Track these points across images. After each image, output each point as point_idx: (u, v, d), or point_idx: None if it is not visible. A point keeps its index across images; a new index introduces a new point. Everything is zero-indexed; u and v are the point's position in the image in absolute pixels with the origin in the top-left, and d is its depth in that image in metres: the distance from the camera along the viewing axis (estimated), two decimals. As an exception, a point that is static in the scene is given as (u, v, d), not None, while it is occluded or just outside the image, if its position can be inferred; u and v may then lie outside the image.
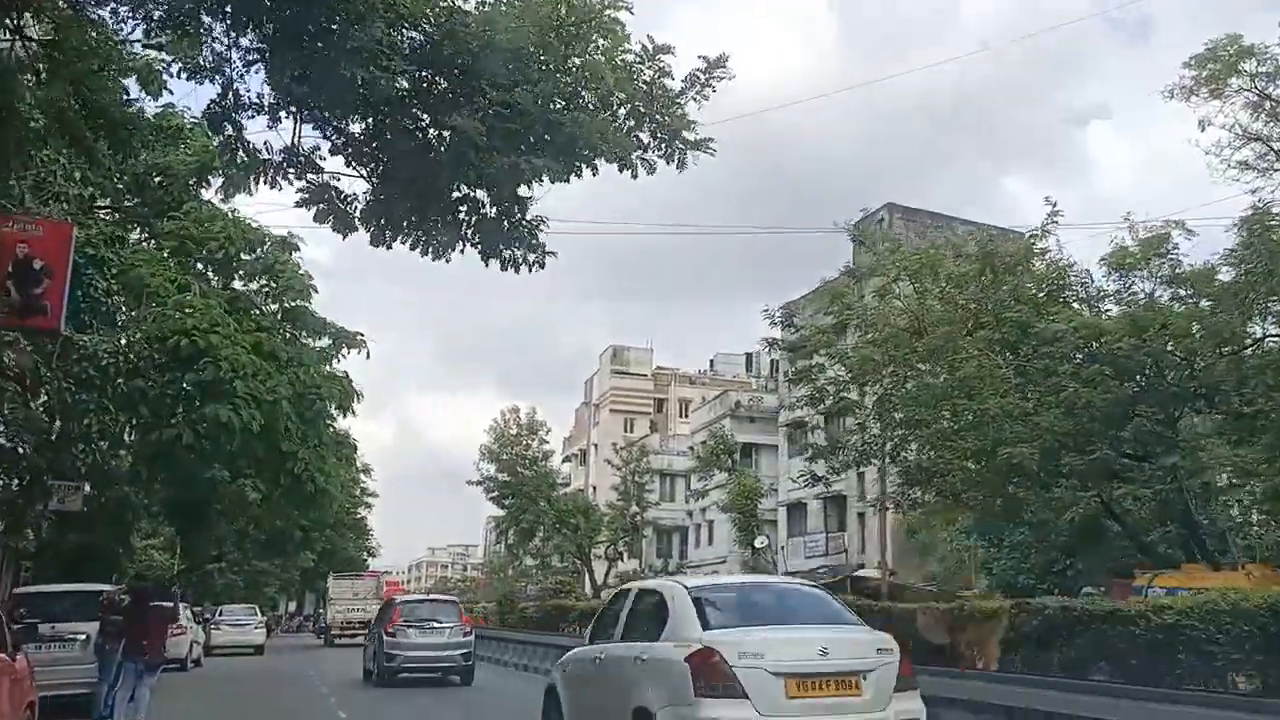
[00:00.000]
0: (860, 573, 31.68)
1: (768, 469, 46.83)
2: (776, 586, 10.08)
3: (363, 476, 59.21)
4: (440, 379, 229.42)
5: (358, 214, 11.16)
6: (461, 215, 10.53)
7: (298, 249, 23.41)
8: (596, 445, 73.86)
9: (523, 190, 10.37)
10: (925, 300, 19.45)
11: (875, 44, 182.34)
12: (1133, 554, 21.88)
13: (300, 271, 22.40)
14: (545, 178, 9.96)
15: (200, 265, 21.96)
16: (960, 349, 18.42)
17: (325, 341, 23.37)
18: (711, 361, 78.95)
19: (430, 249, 11.36)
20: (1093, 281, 20.07)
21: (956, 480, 19.66)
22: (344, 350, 22.74)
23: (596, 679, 9.15)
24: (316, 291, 22.48)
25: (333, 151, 10.83)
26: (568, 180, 10.25)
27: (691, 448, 58.28)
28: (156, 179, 21.10)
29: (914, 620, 14.40)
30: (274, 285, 22.45)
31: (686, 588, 8.58)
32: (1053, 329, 18.26)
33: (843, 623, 8.21)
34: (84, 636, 13.85)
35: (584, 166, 9.87)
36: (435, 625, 20.42)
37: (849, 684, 7.38)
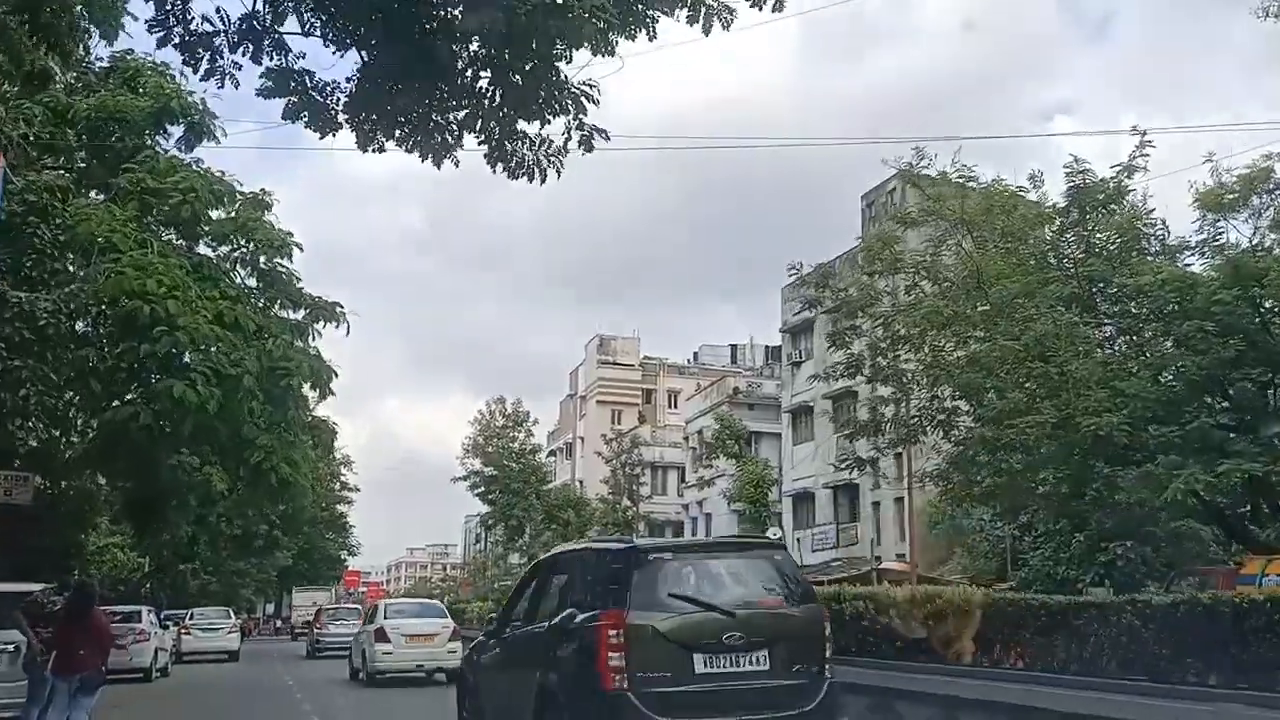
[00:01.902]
0: (885, 565, 29.53)
1: (770, 458, 44.59)
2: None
3: (344, 470, 56.38)
4: (411, 383, 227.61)
5: (340, 106, 8.79)
6: (478, 87, 8.11)
7: (270, 207, 20.84)
8: (583, 438, 71.43)
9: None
10: (986, 250, 17.15)
11: (834, 43, 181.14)
12: (1191, 541, 19.77)
13: (277, 228, 19.77)
14: (591, 39, 7.57)
15: (160, 226, 19.36)
16: (1031, 305, 16.16)
17: (299, 315, 20.76)
18: (695, 354, 76.80)
19: (429, 150, 9.01)
20: (1169, 233, 17.86)
21: (1014, 461, 17.41)
22: (320, 324, 20.10)
23: None
24: (300, 249, 19.81)
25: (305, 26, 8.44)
26: (616, 44, 7.85)
27: (686, 438, 56.03)
28: (110, 128, 18.68)
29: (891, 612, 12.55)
30: (245, 247, 19.83)
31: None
32: (1140, 281, 16.04)
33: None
34: (12, 647, 11.48)
35: (650, 17, 7.47)
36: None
37: None
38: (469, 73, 8.22)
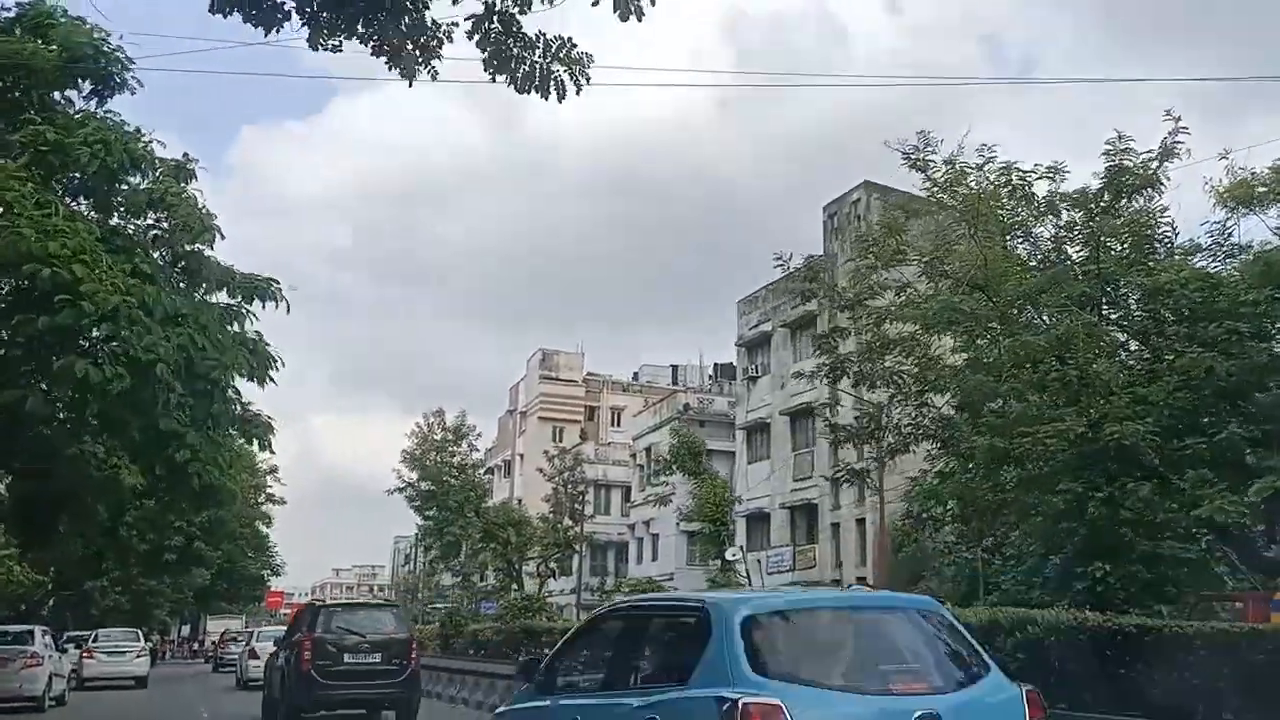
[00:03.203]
0: (857, 589, 28.00)
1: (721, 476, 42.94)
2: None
3: (270, 481, 53.27)
4: (336, 402, 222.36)
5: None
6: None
7: (195, 177, 18.57)
8: (523, 455, 69.17)
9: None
10: (991, 246, 15.69)
11: (765, 76, 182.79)
12: (1182, 566, 18.49)
13: (200, 206, 17.51)
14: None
15: (67, 193, 17.06)
16: (1044, 304, 14.76)
17: (228, 299, 18.49)
18: (636, 374, 75.17)
19: (400, 56, 7.22)
20: (1176, 234, 16.63)
21: (1012, 475, 15.96)
22: (254, 303, 17.87)
23: None
24: (222, 237, 17.59)
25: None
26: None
27: (634, 455, 54.20)
28: (9, 79, 16.42)
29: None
30: (164, 224, 17.58)
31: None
32: (1159, 280, 14.77)
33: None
34: None
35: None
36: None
37: None
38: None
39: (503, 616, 28.08)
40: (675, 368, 72.95)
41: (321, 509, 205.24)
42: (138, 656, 30.73)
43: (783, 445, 38.60)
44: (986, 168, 15.18)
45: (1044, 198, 15.08)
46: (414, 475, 50.08)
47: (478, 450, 54.15)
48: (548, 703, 6.48)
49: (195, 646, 68.97)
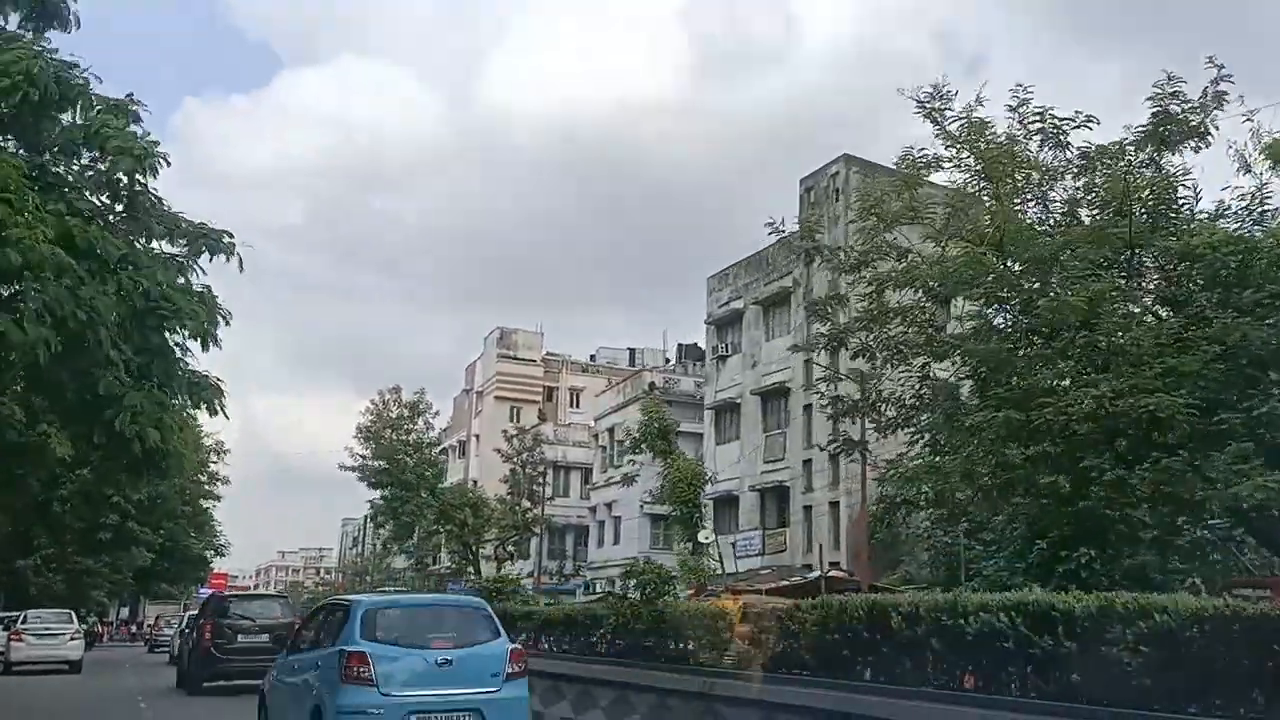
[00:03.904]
0: (833, 573, 26.98)
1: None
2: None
3: (214, 458, 51.03)
4: (284, 382, 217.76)
5: None
6: None
7: (140, 119, 16.68)
8: (479, 436, 67.60)
9: None
10: (1008, 203, 14.52)
11: (719, 61, 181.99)
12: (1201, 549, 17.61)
13: (142, 140, 15.62)
14: None
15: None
16: (1068, 266, 13.64)
17: (174, 248, 16.66)
18: (593, 356, 73.84)
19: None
20: (1199, 197, 15.59)
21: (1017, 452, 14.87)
22: (203, 256, 16.09)
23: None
24: (167, 164, 15.71)
25: None
26: None
27: (596, 435, 52.86)
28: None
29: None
30: (100, 163, 15.71)
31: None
32: (1191, 243, 13.69)
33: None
34: None
35: None
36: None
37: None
38: None
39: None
40: (632, 350, 71.77)
41: (268, 491, 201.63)
42: (71, 639, 28.81)
43: (753, 426, 37.52)
44: (1021, 109, 13.92)
45: (1079, 148, 13.89)
46: (367, 452, 48.43)
47: (433, 428, 52.60)
48: (290, 657, 11.15)
49: (135, 629, 66.63)
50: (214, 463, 50.97)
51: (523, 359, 68.37)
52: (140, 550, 42.04)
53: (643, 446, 30.57)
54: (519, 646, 10.31)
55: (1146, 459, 13.27)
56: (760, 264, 38.49)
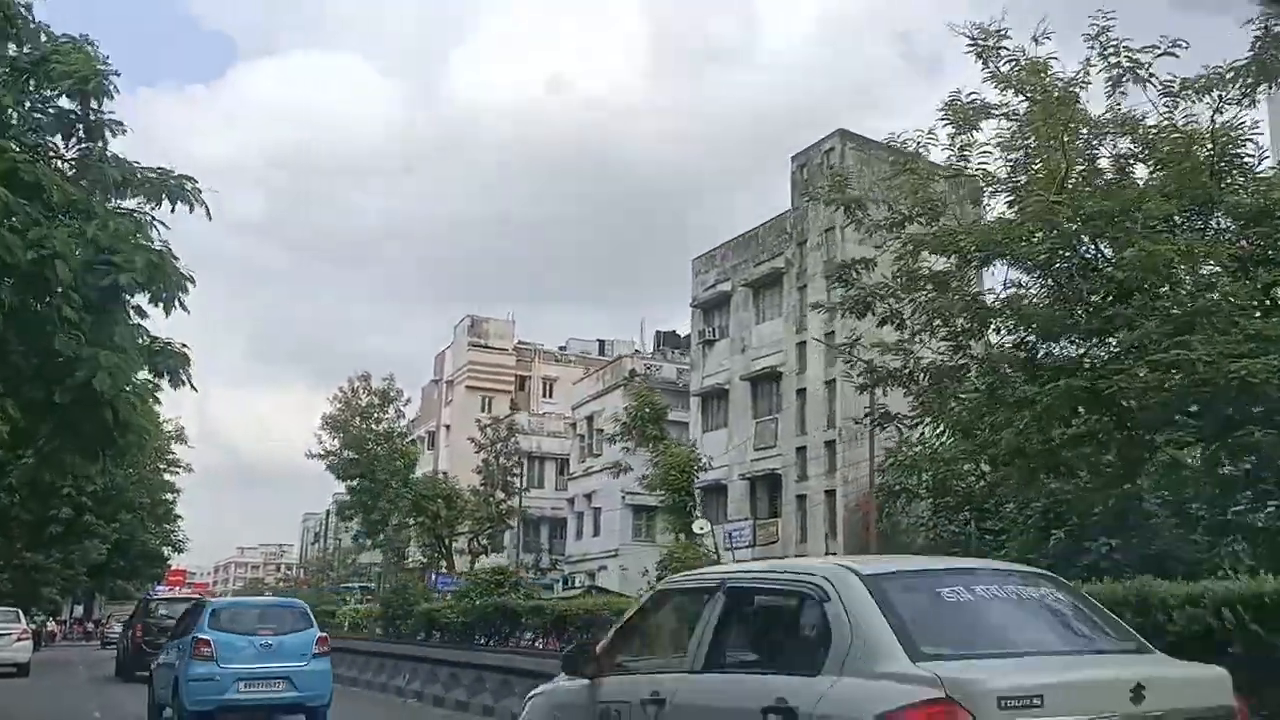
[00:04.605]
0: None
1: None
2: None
3: (174, 446, 48.65)
4: (244, 377, 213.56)
5: None
6: None
7: (92, 60, 14.75)
8: (449, 426, 65.62)
9: None
10: (1070, 146, 13.11)
11: (682, 57, 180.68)
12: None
13: (99, 65, 13.73)
14: None
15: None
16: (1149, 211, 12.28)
17: (132, 202, 14.68)
18: (562, 347, 72.14)
19: None
20: (1264, 155, 14.31)
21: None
22: (163, 204, 14.15)
23: None
24: (118, 90, 13.75)
25: None
26: None
27: (574, 424, 51.20)
28: None
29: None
30: (46, 91, 13.78)
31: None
32: (1266, 200, 12.48)
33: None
34: None
35: None
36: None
37: None
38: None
39: (468, 594, 24.38)
40: (602, 342, 70.20)
41: (228, 487, 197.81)
42: (18, 640, 26.67)
43: (743, 412, 36.10)
44: (1099, 38, 12.49)
45: (1163, 83, 12.50)
46: (335, 443, 46.45)
47: (405, 416, 50.69)
48: (169, 644, 14.49)
49: (89, 627, 64.05)
50: (173, 452, 48.61)
51: (495, 348, 66.50)
52: (95, 544, 39.74)
53: (632, 432, 29.09)
54: (325, 635, 13.51)
55: (1238, 430, 11.98)
56: (749, 244, 37.09)
